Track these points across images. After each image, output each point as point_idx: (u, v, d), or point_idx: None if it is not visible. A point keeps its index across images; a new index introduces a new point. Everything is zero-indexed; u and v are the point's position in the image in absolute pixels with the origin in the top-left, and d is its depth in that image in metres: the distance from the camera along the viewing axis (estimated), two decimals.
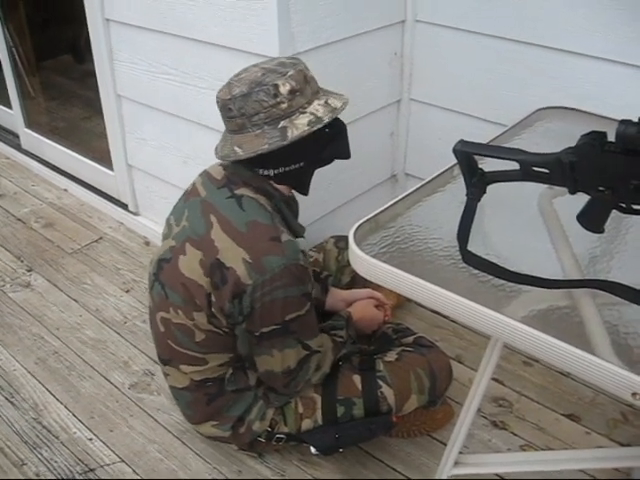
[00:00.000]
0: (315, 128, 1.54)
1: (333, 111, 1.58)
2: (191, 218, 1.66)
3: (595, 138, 1.06)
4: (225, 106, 1.56)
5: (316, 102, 1.58)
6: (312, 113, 1.55)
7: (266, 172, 1.63)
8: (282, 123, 1.54)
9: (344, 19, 2.04)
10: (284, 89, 1.52)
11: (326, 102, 1.58)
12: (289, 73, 1.54)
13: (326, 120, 1.55)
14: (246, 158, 1.56)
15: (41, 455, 1.89)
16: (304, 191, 1.74)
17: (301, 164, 1.63)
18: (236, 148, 1.57)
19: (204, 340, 1.67)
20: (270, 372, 1.68)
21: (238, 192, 1.61)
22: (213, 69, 2.11)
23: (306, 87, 1.56)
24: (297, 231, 1.72)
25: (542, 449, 1.87)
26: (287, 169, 1.63)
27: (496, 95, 2.11)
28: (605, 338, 1.06)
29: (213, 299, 1.60)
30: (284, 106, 1.53)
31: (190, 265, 1.62)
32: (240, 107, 1.54)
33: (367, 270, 1.23)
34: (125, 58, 2.46)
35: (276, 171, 1.63)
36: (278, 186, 1.66)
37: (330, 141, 1.64)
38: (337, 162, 1.70)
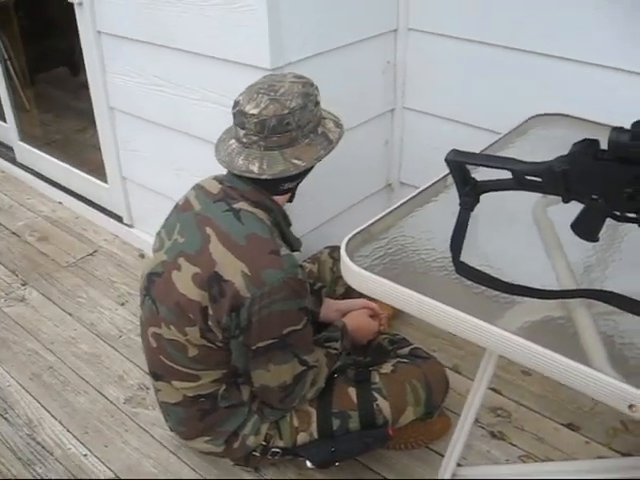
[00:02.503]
0: (341, 129, 1.64)
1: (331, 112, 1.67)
2: (184, 232, 1.64)
3: (587, 146, 1.05)
4: (282, 121, 1.53)
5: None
6: (329, 117, 1.65)
7: (289, 185, 1.65)
8: (319, 129, 1.60)
9: (335, 28, 2.03)
10: (319, 98, 1.61)
11: None
12: (314, 83, 1.61)
13: (340, 120, 1.67)
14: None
15: (35, 472, 1.87)
16: (292, 199, 1.77)
17: (310, 171, 1.67)
18: (295, 161, 1.57)
19: (197, 355, 1.64)
20: (266, 387, 1.66)
21: (236, 206, 1.60)
22: (204, 80, 2.09)
23: None
24: (294, 245, 1.71)
25: (541, 459, 1.84)
26: (303, 178, 1.67)
27: (490, 102, 2.10)
28: (601, 349, 1.04)
29: (210, 312, 1.57)
30: (319, 114, 1.61)
31: (184, 280, 1.59)
32: (298, 119, 1.55)
33: (359, 283, 1.22)
34: (117, 70, 2.45)
35: (298, 181, 1.67)
36: (276, 198, 1.65)
37: None
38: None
